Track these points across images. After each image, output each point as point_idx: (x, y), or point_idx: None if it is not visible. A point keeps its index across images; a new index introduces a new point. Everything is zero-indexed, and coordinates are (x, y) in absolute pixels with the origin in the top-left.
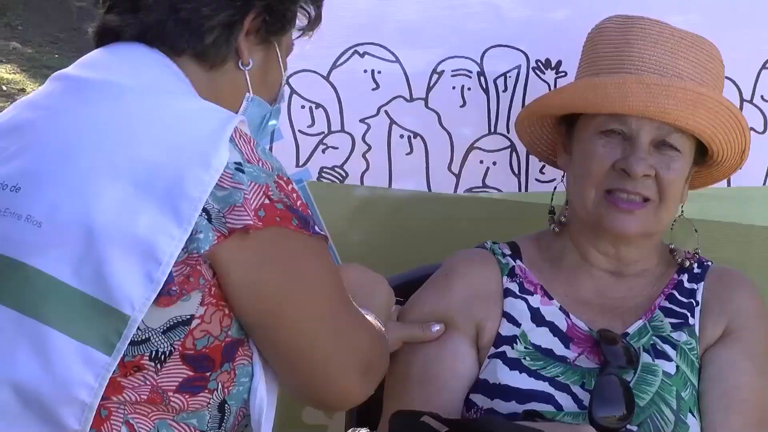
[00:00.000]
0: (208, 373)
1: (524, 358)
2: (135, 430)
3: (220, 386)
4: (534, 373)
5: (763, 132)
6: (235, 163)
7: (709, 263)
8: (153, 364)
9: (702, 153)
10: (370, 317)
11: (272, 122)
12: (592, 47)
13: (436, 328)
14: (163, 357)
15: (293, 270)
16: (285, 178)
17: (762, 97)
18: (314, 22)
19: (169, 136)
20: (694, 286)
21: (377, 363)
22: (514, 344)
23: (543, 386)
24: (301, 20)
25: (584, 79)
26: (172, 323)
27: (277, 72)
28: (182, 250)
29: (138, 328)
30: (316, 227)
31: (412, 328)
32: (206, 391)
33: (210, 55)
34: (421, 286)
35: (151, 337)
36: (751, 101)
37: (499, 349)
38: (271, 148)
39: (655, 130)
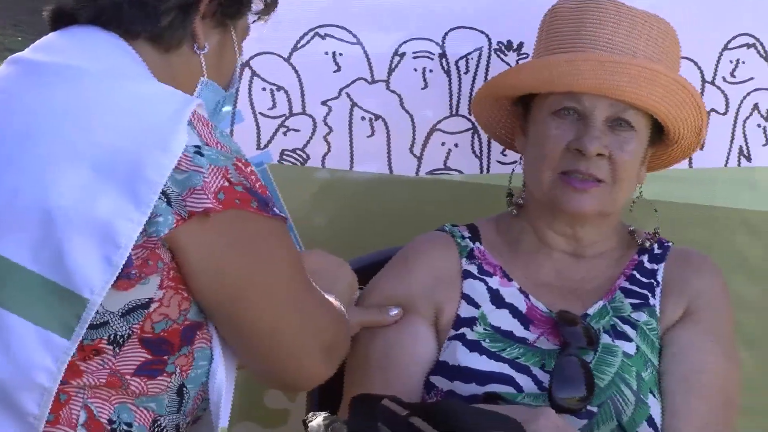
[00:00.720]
0: (166, 357)
1: (484, 340)
2: (94, 414)
3: (178, 370)
4: (494, 354)
5: (725, 113)
6: (194, 146)
7: (670, 244)
8: (111, 347)
9: (659, 133)
10: (331, 298)
11: (226, 108)
12: (547, 28)
13: (394, 312)
14: (121, 340)
15: (254, 252)
16: (243, 161)
17: (723, 78)
18: (270, 7)
19: (128, 120)
20: (655, 266)
21: (339, 343)
22: (474, 326)
23: (503, 368)
24: (257, 4)
25: (537, 58)
26: (130, 307)
27: (232, 56)
28: (141, 233)
29: (97, 311)
30: (276, 209)
31: (371, 312)
32: (164, 374)
33: (166, 38)
34: (380, 269)
35: (110, 321)
36: (712, 83)
37: (459, 331)
38: (231, 132)
39: (609, 108)
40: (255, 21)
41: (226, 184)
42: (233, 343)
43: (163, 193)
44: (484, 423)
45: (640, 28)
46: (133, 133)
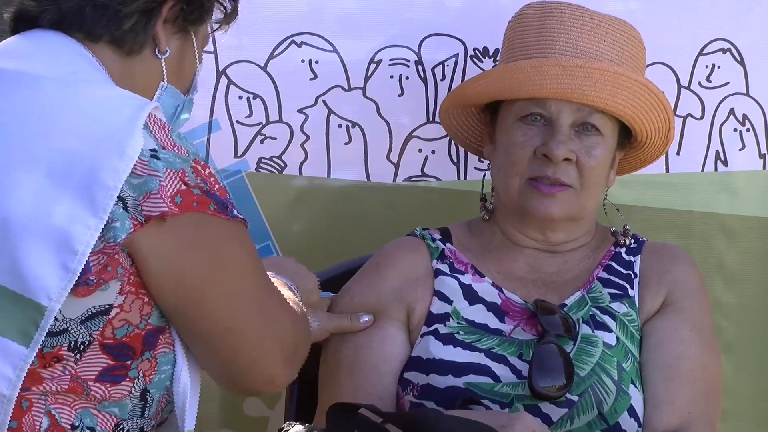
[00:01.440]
0: (128, 362)
1: (457, 333)
2: (57, 420)
3: (141, 375)
4: (468, 345)
5: (701, 118)
6: (150, 149)
7: (644, 239)
8: (72, 354)
9: (627, 136)
10: (290, 299)
11: (185, 116)
12: (512, 34)
13: (365, 318)
14: (82, 347)
15: (213, 255)
16: (201, 163)
17: (699, 83)
18: (230, 16)
19: (86, 125)
20: (632, 258)
21: (299, 346)
22: (447, 321)
23: (479, 358)
24: (217, 13)
25: (502, 65)
26: (90, 313)
27: (192, 62)
28: (99, 239)
29: (56, 318)
30: (235, 211)
31: (340, 318)
32: (127, 379)
33: (127, 42)
34: None
35: (70, 328)
36: (688, 87)
37: (431, 328)
38: (208, 140)
39: (575, 112)
40: (216, 30)
41: (183, 187)
42: (194, 347)
43: (120, 198)
44: (460, 431)
45: (604, 32)
46: (89, 138)
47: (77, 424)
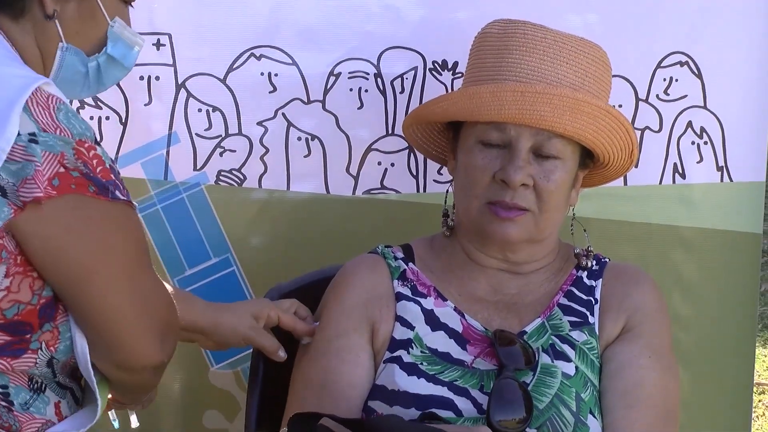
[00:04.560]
0: (27, 336)
1: (421, 363)
2: None
3: (43, 345)
4: (432, 377)
5: (659, 131)
6: (29, 134)
7: (607, 260)
8: None
9: (590, 156)
10: (167, 286)
11: (114, 65)
12: (475, 54)
13: (282, 354)
14: None
15: (90, 236)
16: (87, 144)
17: (657, 96)
18: None
19: None
20: (593, 282)
21: (172, 328)
22: (410, 348)
23: (442, 391)
24: None
25: (462, 89)
26: None
27: (100, 20)
28: None
29: None
30: (118, 193)
31: (268, 338)
32: (29, 351)
33: (7, 4)
34: (319, 288)
35: None
36: (646, 100)
37: (395, 354)
38: (168, 152)
39: (534, 136)
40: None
41: (62, 170)
42: (78, 322)
43: None
44: None
45: (566, 55)
46: None
47: None
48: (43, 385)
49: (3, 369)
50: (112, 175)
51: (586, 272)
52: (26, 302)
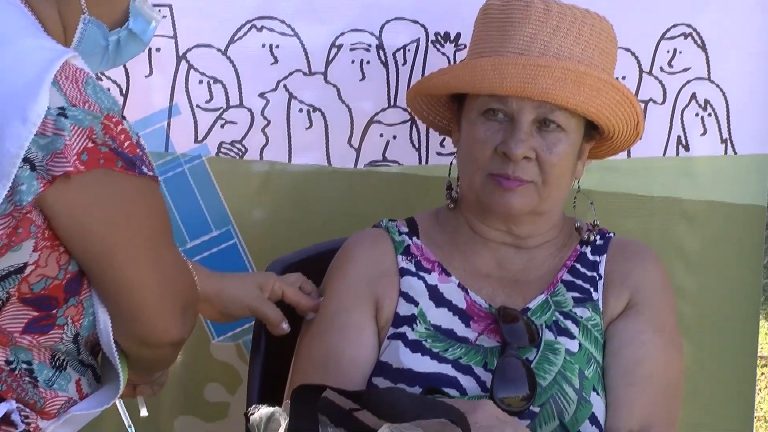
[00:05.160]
0: (53, 311)
1: (425, 340)
2: None
3: (69, 320)
4: (436, 355)
5: (663, 103)
6: (58, 108)
7: (611, 235)
8: None
9: (595, 128)
10: (189, 263)
11: (134, 41)
12: (479, 27)
13: (285, 327)
14: (0, 303)
15: (118, 210)
16: (115, 118)
17: (661, 68)
18: None
19: None
20: (597, 258)
21: (193, 305)
22: (414, 325)
23: (446, 369)
24: None
25: (465, 61)
26: (3, 273)
27: None
28: (7, 203)
29: None
30: (144, 168)
31: (271, 308)
32: (56, 327)
33: None
34: (322, 261)
35: None
36: (650, 72)
37: (399, 330)
38: (168, 124)
39: (536, 109)
40: None
41: (90, 144)
42: (102, 297)
43: (27, 159)
44: (427, 411)
45: (569, 27)
46: None
47: (12, 359)
48: (65, 362)
49: (28, 345)
50: (138, 150)
51: (590, 247)
52: (53, 277)
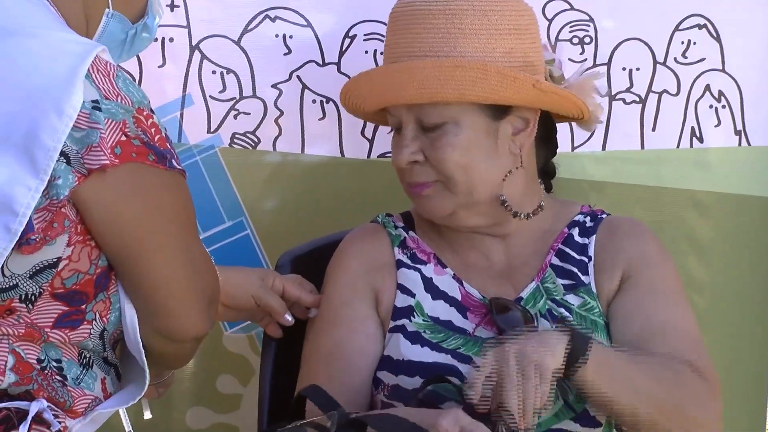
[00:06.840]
0: (83, 306)
1: (424, 331)
2: (22, 357)
3: (97, 316)
4: (435, 346)
5: (677, 94)
6: (92, 101)
7: (603, 216)
8: (24, 305)
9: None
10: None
11: (144, 35)
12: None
13: (289, 318)
14: (33, 298)
15: (149, 204)
16: (146, 112)
17: (675, 59)
18: None
19: (25, 83)
20: (586, 240)
21: (217, 298)
22: (412, 316)
23: (446, 359)
24: None
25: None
26: (38, 268)
27: None
28: (43, 197)
29: (4, 275)
30: (174, 161)
31: (277, 301)
32: (86, 323)
33: None
34: (333, 252)
35: (19, 283)
36: (664, 63)
37: (398, 322)
38: (182, 114)
39: (411, 112)
40: None
41: (123, 138)
42: (129, 292)
43: (63, 153)
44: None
45: (421, 22)
46: (29, 98)
47: (42, 357)
48: (91, 361)
49: (58, 341)
50: (168, 144)
51: (577, 229)
52: (85, 272)
